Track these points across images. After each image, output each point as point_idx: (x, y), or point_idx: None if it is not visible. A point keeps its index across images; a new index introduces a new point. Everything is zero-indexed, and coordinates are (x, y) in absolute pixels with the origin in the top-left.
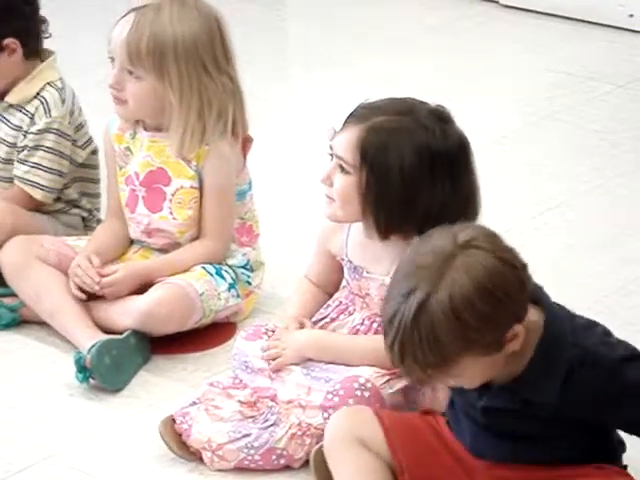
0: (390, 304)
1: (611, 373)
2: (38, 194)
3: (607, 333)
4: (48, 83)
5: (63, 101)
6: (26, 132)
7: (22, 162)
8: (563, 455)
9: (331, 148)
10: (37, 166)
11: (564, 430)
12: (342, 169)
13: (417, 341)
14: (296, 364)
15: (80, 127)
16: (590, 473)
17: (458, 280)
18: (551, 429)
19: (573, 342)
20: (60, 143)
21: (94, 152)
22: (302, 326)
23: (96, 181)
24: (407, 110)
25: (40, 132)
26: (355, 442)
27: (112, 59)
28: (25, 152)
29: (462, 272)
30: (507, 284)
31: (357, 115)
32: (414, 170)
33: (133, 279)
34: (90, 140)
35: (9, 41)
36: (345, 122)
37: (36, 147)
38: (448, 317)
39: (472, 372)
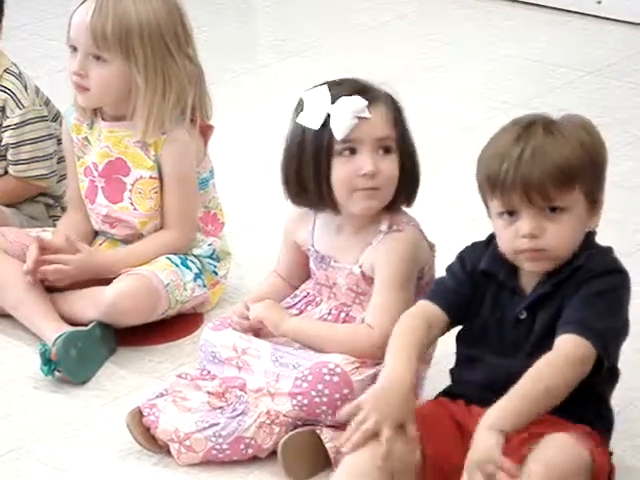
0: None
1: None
2: (44, 183)
3: None
4: (5, 70)
5: (25, 87)
6: (0, 127)
7: (15, 162)
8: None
9: (347, 142)
10: (32, 160)
11: None
12: (386, 150)
13: (550, 144)
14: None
15: (48, 102)
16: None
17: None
18: None
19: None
20: (42, 128)
21: (61, 123)
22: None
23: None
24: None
25: (18, 126)
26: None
27: (73, 47)
28: (11, 151)
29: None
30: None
31: (367, 94)
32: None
33: (89, 269)
34: (58, 112)
35: None
36: (350, 104)
37: (21, 143)
38: (578, 128)
39: (571, 218)
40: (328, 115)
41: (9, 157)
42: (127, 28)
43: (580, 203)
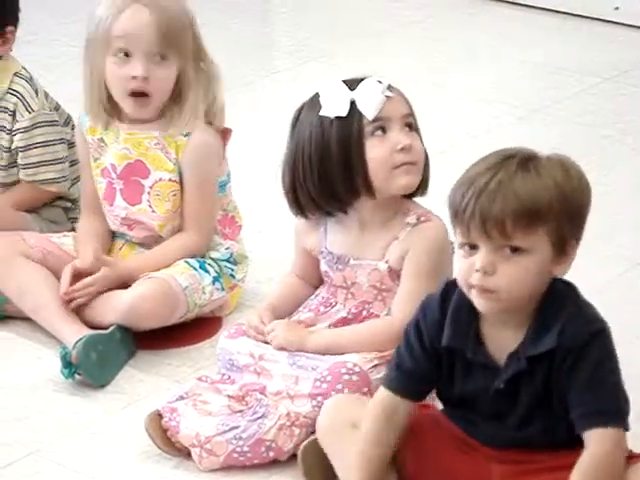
0: (476, 172)
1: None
2: (53, 187)
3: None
4: (15, 74)
5: (36, 91)
6: (10, 131)
7: (25, 166)
8: (565, 433)
9: (378, 120)
10: (41, 164)
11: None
12: (410, 127)
13: (520, 179)
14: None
15: (58, 107)
16: None
17: (563, 158)
18: (552, 393)
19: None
20: (51, 132)
21: (74, 127)
22: (277, 318)
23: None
24: None
25: (27, 130)
26: (353, 429)
27: (124, 54)
28: (21, 154)
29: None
30: (589, 202)
31: (379, 81)
32: None
33: (112, 281)
34: (69, 116)
35: (10, 29)
36: (371, 90)
37: (30, 146)
38: (557, 167)
39: (530, 262)
40: (351, 102)
41: (19, 161)
42: (180, 25)
43: (544, 248)
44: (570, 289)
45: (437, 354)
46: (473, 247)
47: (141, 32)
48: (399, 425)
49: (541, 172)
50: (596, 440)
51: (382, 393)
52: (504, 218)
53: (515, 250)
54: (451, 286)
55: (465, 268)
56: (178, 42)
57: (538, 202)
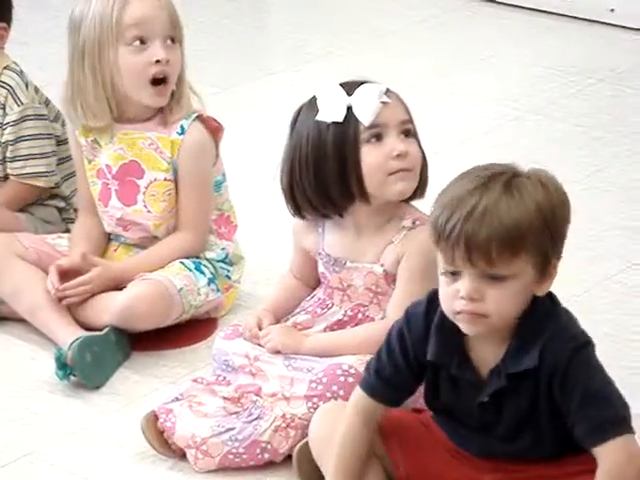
0: (460, 193)
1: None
2: (41, 182)
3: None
4: (5, 67)
5: (26, 84)
6: (1, 124)
7: (13, 159)
8: (555, 447)
9: (374, 127)
10: (30, 157)
11: (552, 416)
12: (407, 134)
13: (504, 204)
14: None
15: (48, 102)
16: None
17: (542, 173)
18: (539, 409)
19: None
20: (39, 126)
21: (64, 124)
22: (277, 321)
23: (70, 158)
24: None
25: (17, 122)
26: None
27: (140, 41)
28: (10, 148)
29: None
30: (568, 216)
31: (377, 86)
32: None
33: (107, 280)
34: (59, 112)
35: (2, 26)
36: (369, 95)
37: (19, 139)
38: (538, 186)
39: (514, 286)
40: (348, 108)
41: (7, 154)
42: (175, 8)
43: (527, 272)
44: (553, 304)
45: (420, 366)
46: (455, 274)
47: (156, 16)
48: (374, 426)
49: (524, 195)
50: (607, 455)
51: (358, 394)
52: (489, 246)
53: (499, 276)
54: (436, 297)
55: (449, 295)
56: (180, 24)
57: (522, 229)
